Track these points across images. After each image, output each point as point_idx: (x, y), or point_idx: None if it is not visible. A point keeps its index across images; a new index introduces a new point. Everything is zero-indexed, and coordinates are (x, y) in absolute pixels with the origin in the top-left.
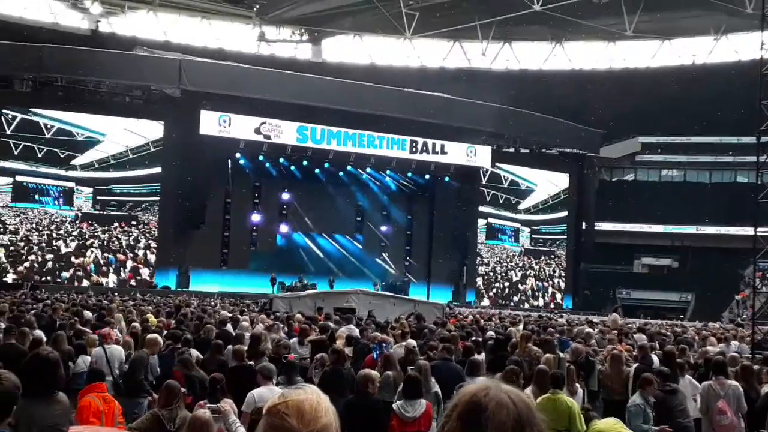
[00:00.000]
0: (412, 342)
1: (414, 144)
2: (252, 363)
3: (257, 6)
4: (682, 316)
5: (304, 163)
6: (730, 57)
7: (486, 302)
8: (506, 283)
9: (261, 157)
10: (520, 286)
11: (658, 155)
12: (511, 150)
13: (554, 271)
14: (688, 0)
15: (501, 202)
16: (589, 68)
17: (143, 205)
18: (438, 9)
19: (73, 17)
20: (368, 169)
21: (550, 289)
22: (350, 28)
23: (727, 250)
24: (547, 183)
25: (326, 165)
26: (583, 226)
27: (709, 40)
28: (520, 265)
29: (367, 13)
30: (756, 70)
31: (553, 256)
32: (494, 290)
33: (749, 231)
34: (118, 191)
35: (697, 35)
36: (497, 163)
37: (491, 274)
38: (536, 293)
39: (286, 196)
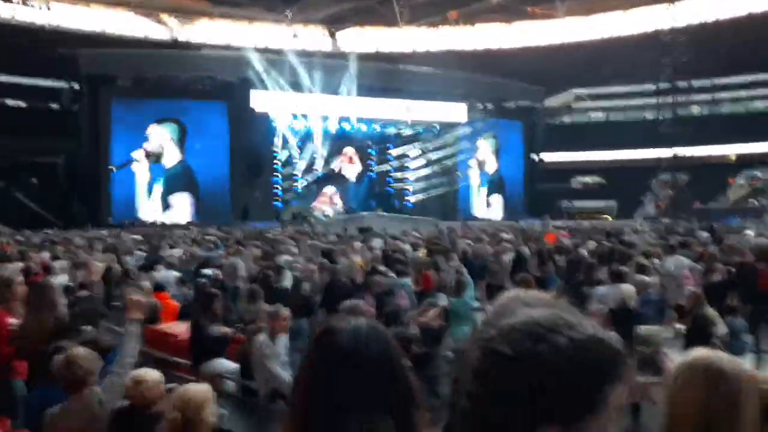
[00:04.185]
0: None
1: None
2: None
3: (289, 12)
4: (608, 216)
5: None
6: (638, 30)
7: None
8: None
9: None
10: None
11: (586, 102)
12: (480, 106)
13: None
14: None
15: None
16: (534, 44)
17: None
18: (421, 5)
19: (156, 29)
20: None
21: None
22: (357, 23)
23: (639, 168)
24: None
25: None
26: (535, 158)
27: (620, 14)
28: None
29: (369, 10)
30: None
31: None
32: None
33: (654, 152)
34: None
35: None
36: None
37: None
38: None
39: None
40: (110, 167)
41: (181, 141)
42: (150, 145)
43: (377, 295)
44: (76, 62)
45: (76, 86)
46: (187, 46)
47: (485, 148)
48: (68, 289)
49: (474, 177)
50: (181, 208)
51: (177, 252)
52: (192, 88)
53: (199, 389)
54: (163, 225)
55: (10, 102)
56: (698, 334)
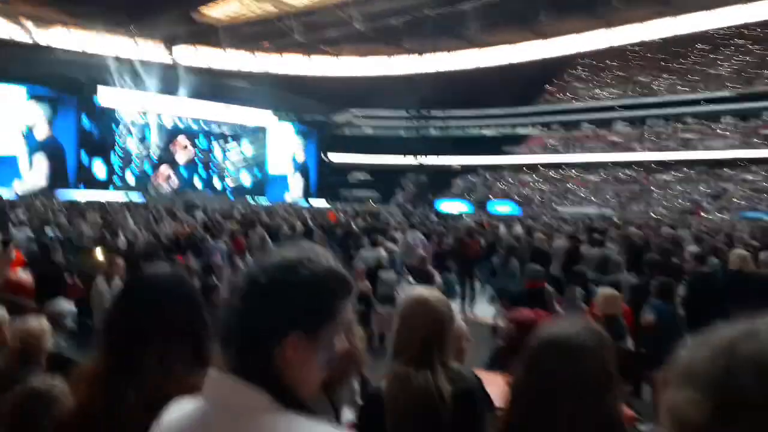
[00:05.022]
0: None
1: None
2: None
3: (133, 27)
4: (372, 202)
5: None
6: (398, 71)
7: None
8: None
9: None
10: None
11: (360, 120)
12: (286, 116)
13: None
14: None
15: None
16: (326, 74)
17: None
18: (242, 34)
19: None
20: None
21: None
22: (191, 42)
23: (395, 170)
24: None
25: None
26: (324, 158)
27: (386, 58)
28: None
29: (201, 33)
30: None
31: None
32: None
33: (405, 159)
34: None
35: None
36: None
37: None
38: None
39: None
40: None
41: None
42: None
43: (198, 252)
44: None
45: None
46: (45, 48)
47: (291, 146)
48: None
49: (284, 167)
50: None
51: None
52: (48, 81)
53: (37, 322)
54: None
55: None
56: (422, 281)
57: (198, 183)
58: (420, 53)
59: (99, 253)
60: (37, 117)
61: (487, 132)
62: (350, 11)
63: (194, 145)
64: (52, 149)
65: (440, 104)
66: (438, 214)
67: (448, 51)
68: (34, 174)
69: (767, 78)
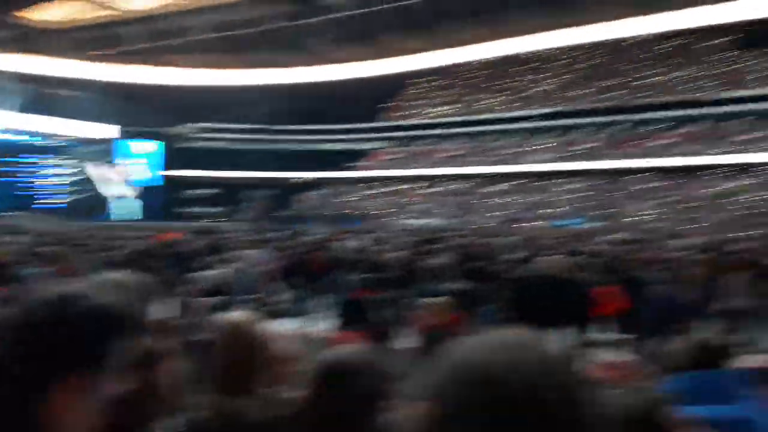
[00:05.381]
0: None
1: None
2: None
3: None
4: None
5: None
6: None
7: None
8: None
9: None
10: None
11: (210, 133)
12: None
13: None
14: None
15: None
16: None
17: None
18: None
19: None
20: None
21: None
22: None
23: (241, 184)
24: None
25: None
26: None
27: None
28: None
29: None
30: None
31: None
32: None
33: (250, 174)
34: None
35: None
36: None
37: None
38: None
39: None
40: None
41: None
42: None
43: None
44: None
45: None
46: None
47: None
48: None
49: (119, 186)
50: None
51: None
52: None
53: None
54: None
55: None
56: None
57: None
58: (265, 66)
59: None
60: None
61: (330, 146)
62: (197, 20)
63: (16, 162)
64: None
65: (283, 118)
66: (290, 229)
67: (293, 66)
68: None
69: (579, 97)
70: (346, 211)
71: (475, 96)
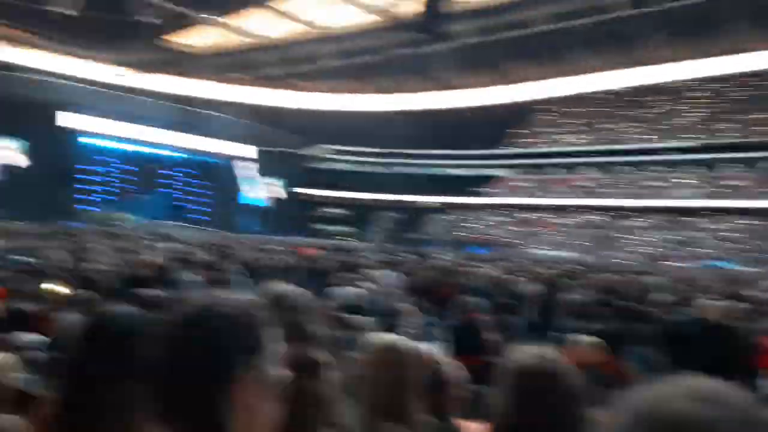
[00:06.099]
0: None
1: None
2: None
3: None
4: (351, 239)
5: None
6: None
7: None
8: None
9: None
10: None
11: (335, 155)
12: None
13: None
14: None
15: None
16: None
17: None
18: (215, 65)
19: None
20: None
21: None
22: (163, 70)
23: (372, 206)
24: None
25: None
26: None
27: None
28: None
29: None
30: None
31: None
32: None
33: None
34: None
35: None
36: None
37: None
38: None
39: None
40: None
41: None
42: None
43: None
44: None
45: None
46: (15, 68)
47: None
48: None
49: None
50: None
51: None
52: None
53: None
54: None
55: None
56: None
57: (167, 213)
58: (391, 92)
59: (62, 285)
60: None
61: (457, 171)
62: (325, 47)
63: (159, 175)
64: None
65: (410, 143)
66: (417, 252)
67: (418, 92)
68: None
69: (723, 131)
70: (475, 236)
71: (607, 125)
